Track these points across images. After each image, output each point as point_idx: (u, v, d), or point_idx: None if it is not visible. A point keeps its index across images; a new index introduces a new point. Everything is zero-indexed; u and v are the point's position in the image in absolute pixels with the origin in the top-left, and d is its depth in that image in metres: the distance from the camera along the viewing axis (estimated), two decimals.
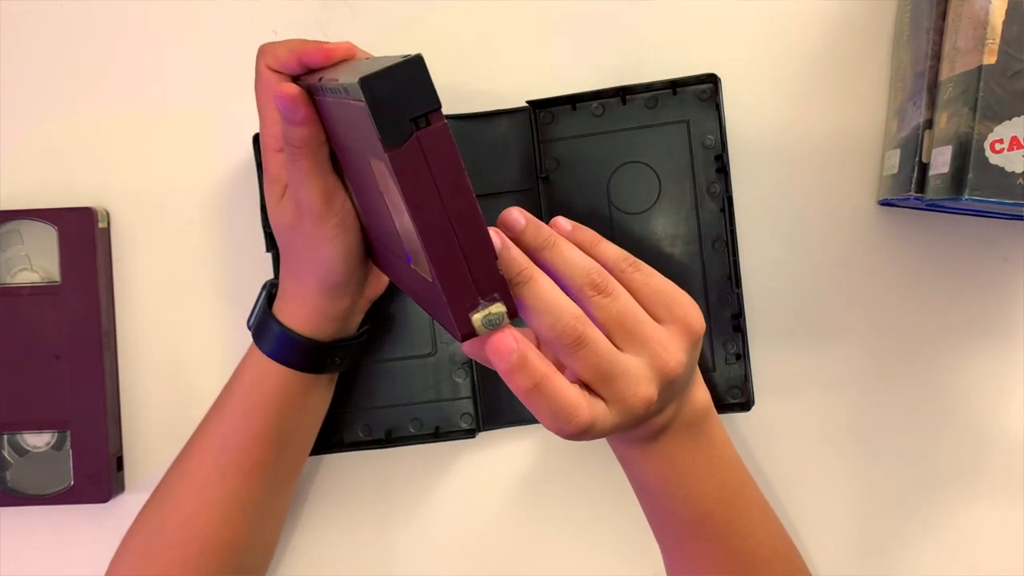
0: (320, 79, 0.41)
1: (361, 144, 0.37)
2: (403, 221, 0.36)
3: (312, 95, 0.43)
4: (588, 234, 0.44)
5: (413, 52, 0.33)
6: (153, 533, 0.51)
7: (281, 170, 0.47)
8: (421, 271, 0.38)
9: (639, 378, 0.40)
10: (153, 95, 0.58)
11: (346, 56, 0.44)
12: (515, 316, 0.37)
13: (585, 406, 0.39)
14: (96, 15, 0.58)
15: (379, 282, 0.52)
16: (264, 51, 0.47)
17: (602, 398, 0.40)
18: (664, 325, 0.42)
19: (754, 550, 0.49)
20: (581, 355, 0.39)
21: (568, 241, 0.42)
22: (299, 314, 0.49)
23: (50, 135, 0.59)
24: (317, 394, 0.52)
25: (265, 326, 0.50)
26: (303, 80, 0.45)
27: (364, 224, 0.47)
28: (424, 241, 0.34)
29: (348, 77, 0.35)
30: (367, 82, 0.32)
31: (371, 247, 0.49)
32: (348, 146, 0.41)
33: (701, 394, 0.47)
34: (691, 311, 0.42)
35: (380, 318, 0.56)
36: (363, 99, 0.32)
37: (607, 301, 0.40)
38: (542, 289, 0.38)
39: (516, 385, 0.38)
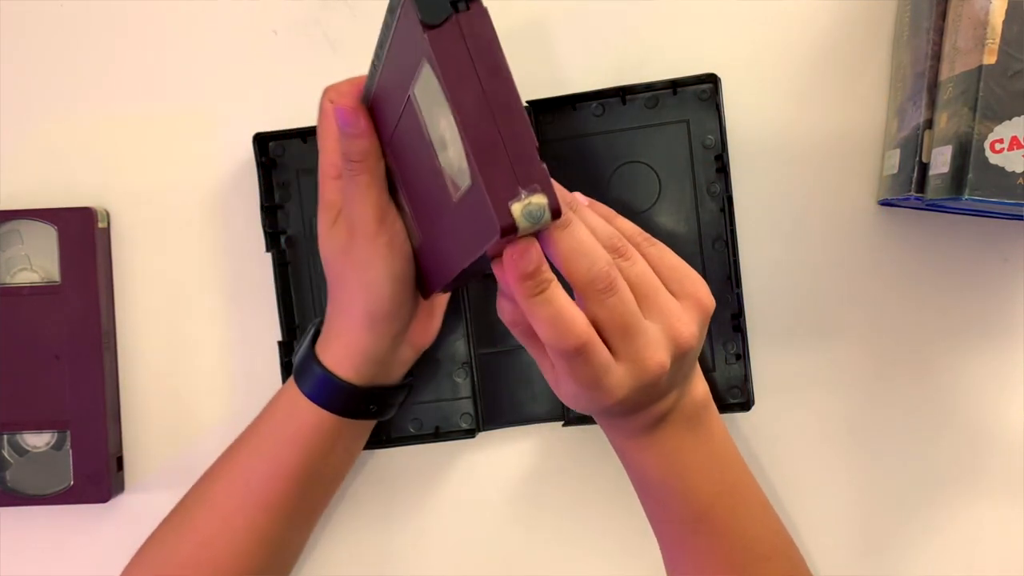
0: (374, 64, 0.42)
1: (406, 80, 0.37)
2: (447, 145, 0.35)
3: (375, 108, 0.44)
4: (605, 209, 0.45)
5: None
6: (168, 551, 0.51)
7: (336, 196, 0.49)
8: (462, 186, 0.35)
9: (656, 342, 0.41)
10: (153, 95, 0.58)
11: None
12: (558, 214, 0.34)
13: (579, 322, 0.38)
14: (96, 15, 0.58)
15: (427, 332, 0.52)
16: (328, 90, 0.49)
17: (619, 359, 0.40)
18: (678, 299, 0.42)
19: (753, 546, 0.49)
20: (610, 303, 0.39)
21: (589, 210, 0.42)
22: (340, 353, 0.49)
23: (50, 135, 0.59)
24: (349, 438, 0.52)
25: (307, 366, 0.50)
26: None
27: (416, 244, 0.47)
28: (463, 127, 0.33)
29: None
30: None
31: (421, 270, 0.48)
32: (403, 130, 0.41)
33: (701, 386, 0.47)
34: (702, 288, 0.43)
35: None
36: None
37: (627, 264, 0.41)
38: (580, 231, 0.38)
39: (524, 290, 0.37)
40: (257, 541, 0.51)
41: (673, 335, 0.41)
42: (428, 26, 0.32)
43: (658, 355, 0.41)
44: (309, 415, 0.50)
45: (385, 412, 0.52)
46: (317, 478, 0.52)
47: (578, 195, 0.44)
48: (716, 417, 0.48)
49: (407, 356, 0.52)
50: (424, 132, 0.37)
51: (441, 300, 0.53)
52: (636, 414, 0.44)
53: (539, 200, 0.34)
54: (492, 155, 0.33)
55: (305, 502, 0.52)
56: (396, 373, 0.52)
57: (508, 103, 0.33)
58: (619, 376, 0.40)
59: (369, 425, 0.53)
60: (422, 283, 0.49)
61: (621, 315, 0.39)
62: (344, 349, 0.49)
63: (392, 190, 0.47)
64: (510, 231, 0.33)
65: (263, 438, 0.51)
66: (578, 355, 0.39)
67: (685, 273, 0.43)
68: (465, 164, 0.33)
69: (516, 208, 0.33)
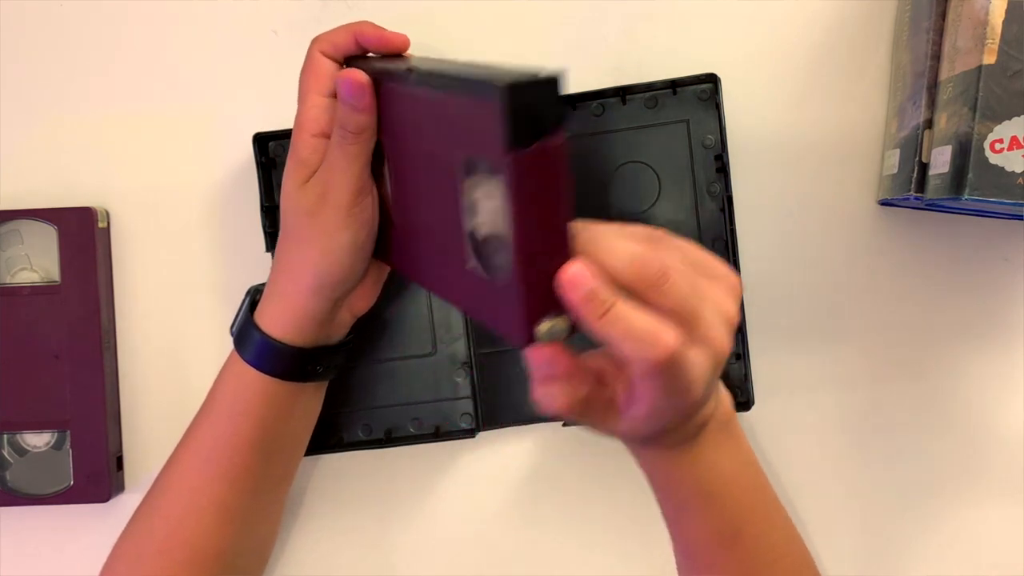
0: (409, 69, 0.42)
1: (445, 139, 0.38)
2: (484, 223, 0.37)
3: (377, 82, 0.44)
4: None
5: (541, 70, 0.34)
6: (142, 539, 0.51)
7: (312, 155, 0.47)
8: (486, 272, 0.37)
9: (715, 321, 0.39)
10: (153, 95, 0.58)
11: (401, 48, 0.47)
12: (575, 332, 0.36)
13: (665, 328, 0.36)
14: (96, 15, 0.58)
15: (367, 298, 0.51)
16: (319, 38, 0.48)
17: (691, 348, 0.38)
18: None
19: (781, 562, 0.48)
20: (667, 288, 0.36)
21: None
22: (282, 317, 0.48)
23: (50, 135, 0.59)
24: (303, 402, 0.52)
25: (246, 333, 0.49)
26: (359, 65, 0.46)
27: (394, 220, 0.47)
28: (518, 245, 0.34)
29: (468, 73, 0.36)
30: (514, 88, 0.32)
31: (389, 245, 0.48)
32: (414, 137, 0.42)
33: (725, 393, 0.47)
34: (731, 272, 0.42)
35: (380, 318, 0.56)
36: (498, 100, 0.32)
37: (666, 254, 0.38)
38: (611, 235, 0.37)
39: (591, 311, 0.35)
40: (227, 515, 0.50)
41: (724, 313, 0.39)
42: (512, 146, 0.33)
43: (721, 334, 0.39)
44: (258, 385, 0.49)
45: (330, 372, 0.52)
46: (277, 445, 0.51)
47: None
48: (739, 424, 0.47)
49: (345, 319, 0.51)
50: (457, 191, 0.38)
51: (385, 269, 0.52)
52: (686, 423, 0.43)
53: (563, 324, 0.36)
54: (536, 279, 0.35)
55: (269, 471, 0.52)
56: (335, 334, 0.51)
57: (563, 238, 0.35)
58: (700, 366, 0.38)
59: (322, 386, 0.53)
60: (384, 249, 0.49)
61: (683, 297, 0.37)
62: (287, 312, 0.48)
63: (375, 157, 0.47)
64: (527, 343, 0.36)
65: (218, 414, 0.50)
66: (672, 361, 0.36)
67: (712, 260, 0.42)
68: (505, 263, 0.35)
69: (542, 327, 0.36)
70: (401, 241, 0.47)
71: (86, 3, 0.58)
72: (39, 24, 0.59)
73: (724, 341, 0.39)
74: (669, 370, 0.37)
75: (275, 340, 0.48)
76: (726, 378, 0.55)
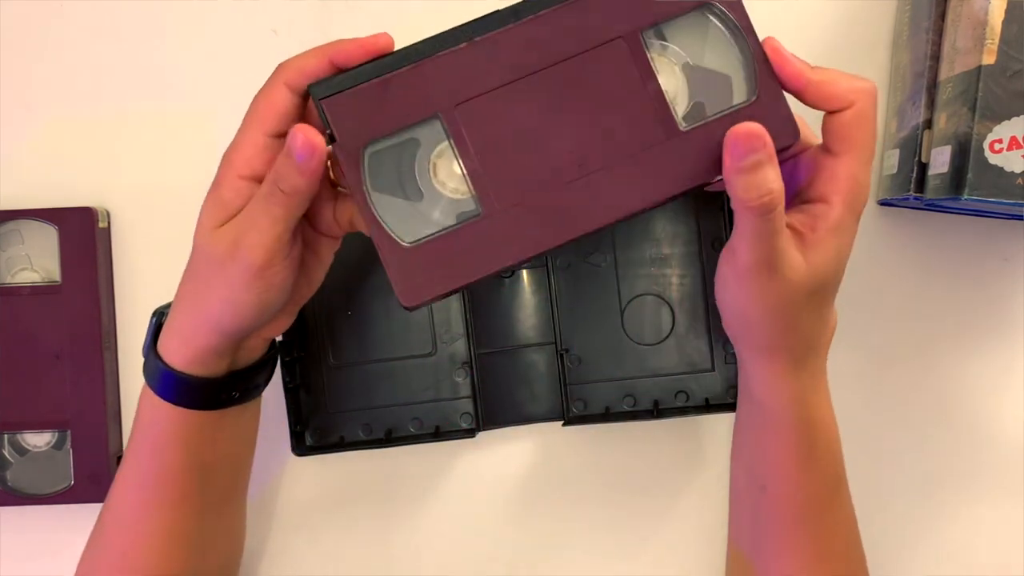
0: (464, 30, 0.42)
1: (601, 30, 0.42)
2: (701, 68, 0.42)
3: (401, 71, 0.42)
4: None
5: None
6: (94, 572, 0.49)
7: (235, 197, 0.42)
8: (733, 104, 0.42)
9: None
10: (153, 95, 0.58)
11: (386, 48, 0.42)
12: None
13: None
14: (96, 15, 0.58)
15: (280, 327, 0.47)
16: (285, 65, 0.42)
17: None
18: None
19: (853, 546, 0.50)
20: None
21: None
22: (182, 351, 0.45)
23: (50, 135, 0.59)
24: (229, 425, 0.48)
25: (151, 363, 0.46)
26: (330, 86, 0.42)
27: (489, 208, 0.41)
28: (763, 59, 0.42)
29: None
30: None
31: (473, 252, 0.42)
32: (539, 60, 0.42)
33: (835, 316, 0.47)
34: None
35: (380, 318, 0.56)
36: None
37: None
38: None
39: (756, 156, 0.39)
40: (174, 540, 0.48)
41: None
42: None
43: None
44: (173, 413, 0.46)
45: (250, 395, 0.48)
46: (210, 469, 0.48)
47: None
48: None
49: (257, 345, 0.47)
50: (641, 67, 0.42)
51: (298, 298, 0.47)
52: (824, 322, 0.45)
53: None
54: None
55: (211, 492, 0.49)
56: (246, 360, 0.47)
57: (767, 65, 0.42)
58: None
59: (251, 404, 0.49)
60: (463, 264, 0.42)
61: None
62: (187, 347, 0.44)
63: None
64: (796, 136, 0.41)
65: (139, 444, 0.47)
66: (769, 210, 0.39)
67: None
68: (745, 84, 0.42)
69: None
70: (518, 215, 0.41)
71: (86, 3, 0.58)
72: (39, 24, 0.59)
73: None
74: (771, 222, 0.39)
75: (179, 372, 0.45)
76: (726, 378, 0.55)
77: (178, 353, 0.45)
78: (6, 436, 0.57)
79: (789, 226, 0.41)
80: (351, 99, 0.41)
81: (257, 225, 0.41)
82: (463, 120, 0.41)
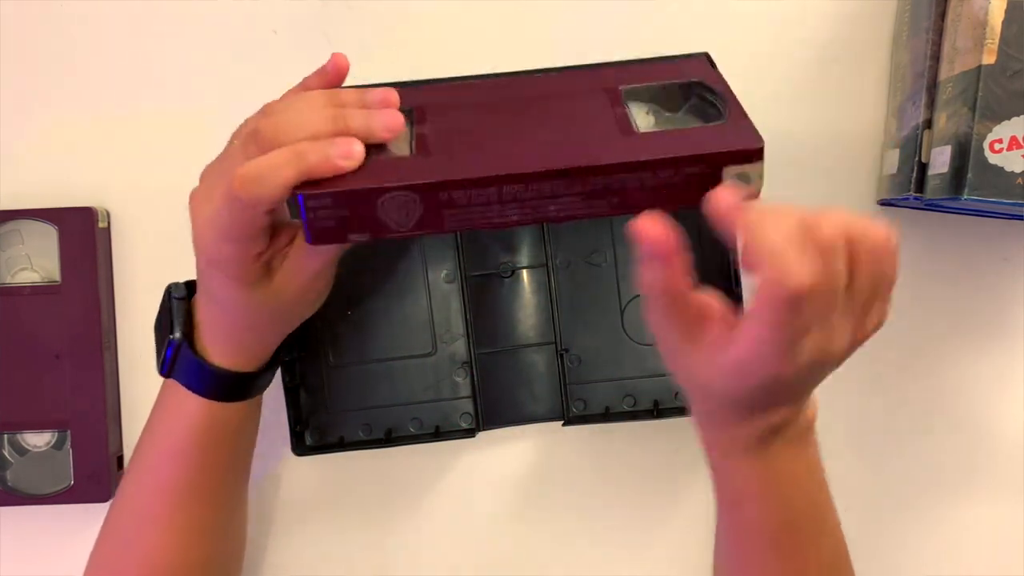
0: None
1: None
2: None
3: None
4: None
5: None
6: (103, 561, 0.50)
7: (251, 273, 0.44)
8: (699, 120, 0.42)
9: (870, 319, 0.42)
10: (153, 95, 0.58)
11: (339, 76, 0.43)
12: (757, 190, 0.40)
13: (813, 265, 0.36)
14: (96, 15, 0.58)
15: (299, 315, 0.49)
16: (255, 193, 0.40)
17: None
18: None
19: (823, 571, 0.48)
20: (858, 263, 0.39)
21: None
22: (223, 347, 0.47)
23: (50, 135, 0.59)
24: (252, 414, 0.51)
25: (183, 357, 0.47)
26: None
27: (433, 147, 0.41)
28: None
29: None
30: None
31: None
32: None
33: (815, 398, 0.44)
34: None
35: (380, 318, 0.56)
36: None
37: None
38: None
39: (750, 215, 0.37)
40: (200, 534, 0.49)
41: (874, 319, 0.42)
42: None
43: (859, 331, 0.40)
44: (210, 409, 0.47)
45: (265, 387, 0.50)
46: (235, 459, 0.51)
47: None
48: (815, 435, 0.45)
49: (275, 342, 0.50)
50: (607, 105, 0.42)
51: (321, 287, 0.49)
52: (768, 412, 0.41)
53: (756, 172, 0.39)
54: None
55: (231, 484, 0.51)
56: (270, 353, 0.50)
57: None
58: (817, 341, 0.38)
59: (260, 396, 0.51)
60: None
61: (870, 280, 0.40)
62: (226, 344, 0.47)
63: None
64: (758, 157, 0.38)
65: (167, 441, 0.48)
66: (797, 300, 0.35)
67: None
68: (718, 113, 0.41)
69: (739, 170, 0.39)
70: (442, 156, 0.41)
71: (86, 3, 0.58)
72: (39, 24, 0.59)
73: (849, 343, 0.40)
74: (790, 311, 0.35)
75: (224, 369, 0.47)
76: None
77: (219, 348, 0.47)
78: (6, 436, 0.57)
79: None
80: None
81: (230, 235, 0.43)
82: (430, 114, 0.42)
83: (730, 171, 0.38)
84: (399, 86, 0.43)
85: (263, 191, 0.40)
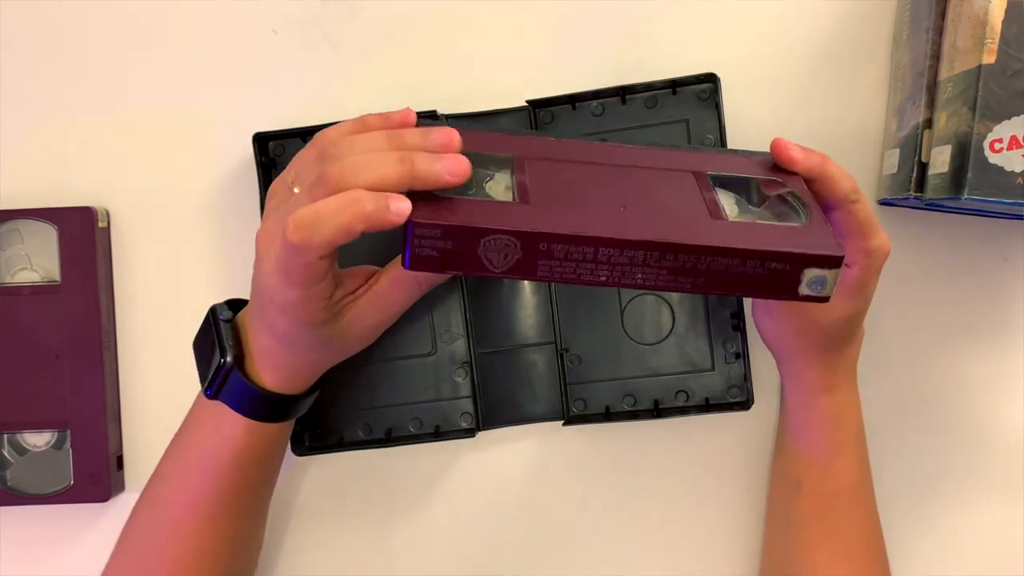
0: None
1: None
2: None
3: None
4: None
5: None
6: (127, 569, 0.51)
7: (326, 312, 0.45)
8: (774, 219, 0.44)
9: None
10: (153, 95, 0.58)
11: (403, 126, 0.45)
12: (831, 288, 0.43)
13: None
14: (96, 15, 0.58)
15: (351, 343, 0.50)
16: (318, 237, 0.41)
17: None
18: None
19: (878, 537, 0.54)
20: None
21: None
22: (275, 373, 0.48)
23: (50, 135, 0.59)
24: (282, 434, 0.52)
25: (231, 378, 0.48)
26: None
27: (533, 198, 0.42)
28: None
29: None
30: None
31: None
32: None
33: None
34: None
35: None
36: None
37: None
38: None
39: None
40: (230, 547, 0.51)
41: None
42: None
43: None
44: (256, 429, 0.48)
45: (308, 407, 0.52)
46: (270, 475, 0.52)
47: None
48: None
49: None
50: (696, 188, 0.45)
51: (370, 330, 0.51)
52: (853, 340, 0.51)
53: (832, 276, 0.41)
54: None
55: (264, 499, 0.53)
56: (316, 379, 0.51)
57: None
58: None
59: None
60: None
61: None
62: (277, 371, 0.48)
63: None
64: (837, 264, 0.41)
65: (198, 451, 0.49)
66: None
67: None
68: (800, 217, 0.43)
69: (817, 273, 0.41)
70: (545, 208, 0.42)
71: (86, 3, 0.58)
72: (39, 24, 0.59)
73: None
74: (881, 266, 0.47)
75: (266, 390, 0.48)
76: (726, 377, 0.55)
77: (270, 373, 0.48)
78: (6, 436, 0.57)
79: None
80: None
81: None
82: (529, 166, 0.44)
83: (809, 272, 0.40)
84: (481, 129, 0.47)
85: (315, 238, 0.40)
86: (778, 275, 0.41)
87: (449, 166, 0.41)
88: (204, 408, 0.50)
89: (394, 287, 0.48)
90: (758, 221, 0.43)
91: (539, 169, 0.44)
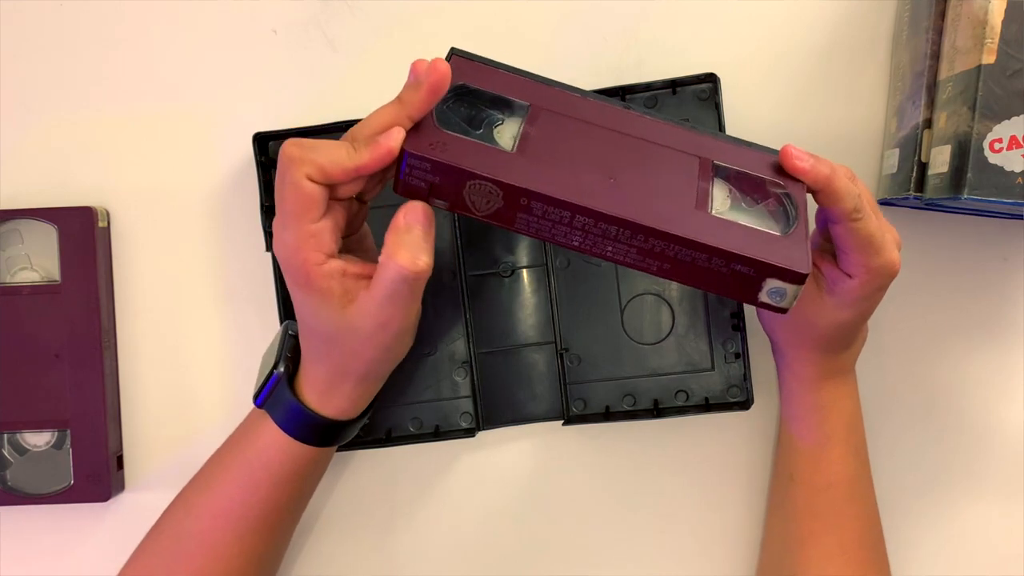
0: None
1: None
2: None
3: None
4: None
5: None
6: None
7: (331, 280, 0.44)
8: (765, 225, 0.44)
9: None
10: (153, 95, 0.58)
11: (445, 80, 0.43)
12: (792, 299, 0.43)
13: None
14: (96, 15, 0.58)
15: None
16: (315, 163, 0.42)
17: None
18: None
19: (876, 524, 0.55)
20: (860, 186, 0.46)
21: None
22: (333, 403, 0.48)
23: (50, 135, 0.59)
24: (325, 458, 0.52)
25: (285, 402, 0.48)
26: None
27: (533, 156, 0.43)
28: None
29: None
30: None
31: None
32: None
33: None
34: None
35: None
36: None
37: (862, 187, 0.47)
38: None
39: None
40: (254, 563, 0.51)
41: (896, 239, 0.48)
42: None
43: (895, 241, 0.48)
44: (306, 452, 0.49)
45: (351, 436, 0.52)
46: (299, 497, 0.52)
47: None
48: None
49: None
50: (695, 175, 0.45)
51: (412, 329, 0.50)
52: (851, 344, 0.52)
53: (793, 290, 0.42)
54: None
55: (290, 519, 0.53)
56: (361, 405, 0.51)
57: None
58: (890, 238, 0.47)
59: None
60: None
61: (870, 197, 0.47)
62: (339, 399, 0.48)
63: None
64: (800, 281, 0.41)
65: (239, 463, 0.50)
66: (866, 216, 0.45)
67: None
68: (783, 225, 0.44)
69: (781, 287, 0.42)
70: (537, 167, 0.43)
71: (85, 3, 0.58)
72: (39, 24, 0.59)
73: (897, 244, 0.48)
74: (889, 282, 0.48)
75: (319, 415, 0.48)
76: (726, 377, 0.55)
77: (319, 398, 0.48)
78: (6, 436, 0.57)
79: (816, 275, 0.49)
80: (475, 67, 0.46)
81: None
82: (542, 118, 0.45)
83: (771, 282, 0.41)
84: (522, 75, 0.47)
85: (308, 155, 0.42)
86: (740, 278, 0.42)
87: (431, 80, 0.42)
88: (254, 420, 0.50)
89: (383, 273, 0.47)
90: (740, 221, 0.43)
91: (550, 124, 0.45)
